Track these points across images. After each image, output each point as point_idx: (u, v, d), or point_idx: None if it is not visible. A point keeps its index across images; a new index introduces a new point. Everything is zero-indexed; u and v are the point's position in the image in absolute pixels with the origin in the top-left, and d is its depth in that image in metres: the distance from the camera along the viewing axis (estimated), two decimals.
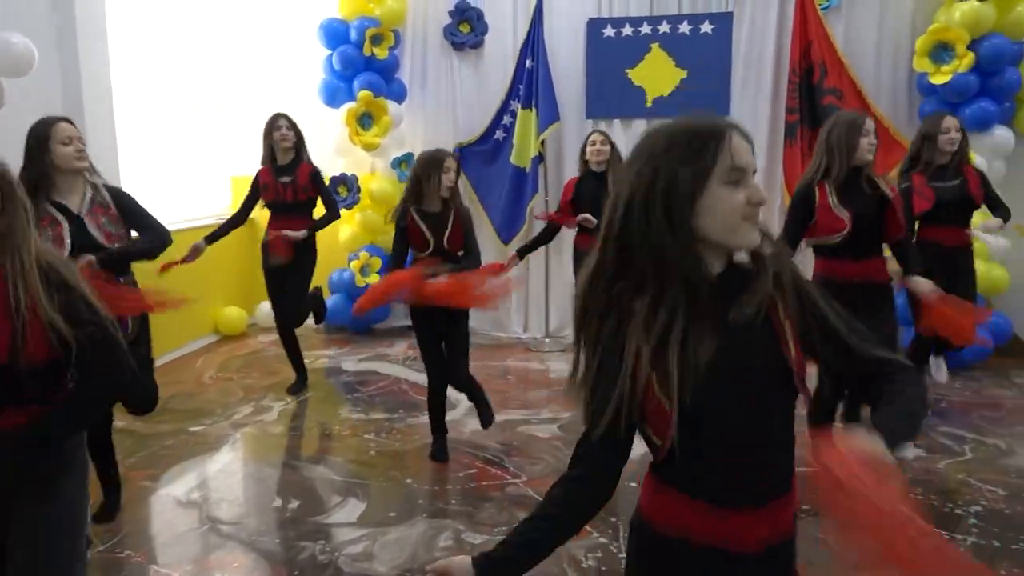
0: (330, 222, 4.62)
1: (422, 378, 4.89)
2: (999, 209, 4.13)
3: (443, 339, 3.65)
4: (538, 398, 4.72)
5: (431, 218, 3.51)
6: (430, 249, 3.50)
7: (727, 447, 1.19)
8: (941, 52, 4.89)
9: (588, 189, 4.42)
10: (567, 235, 5.58)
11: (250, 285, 6.12)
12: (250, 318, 6.36)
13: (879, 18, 5.38)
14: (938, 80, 4.89)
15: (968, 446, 3.90)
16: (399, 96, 6.01)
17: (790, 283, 1.21)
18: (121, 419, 3.86)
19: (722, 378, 1.15)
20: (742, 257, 1.21)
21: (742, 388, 1.17)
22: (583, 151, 4.54)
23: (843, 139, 3.08)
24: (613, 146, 4.48)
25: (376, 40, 5.78)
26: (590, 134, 4.63)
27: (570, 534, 1.24)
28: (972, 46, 4.78)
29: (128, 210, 2.99)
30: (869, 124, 3.09)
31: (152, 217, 3.07)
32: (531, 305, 6.14)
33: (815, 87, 5.32)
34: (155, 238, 3.01)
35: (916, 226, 4.06)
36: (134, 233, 3.03)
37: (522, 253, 4.68)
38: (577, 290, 1.24)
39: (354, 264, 5.90)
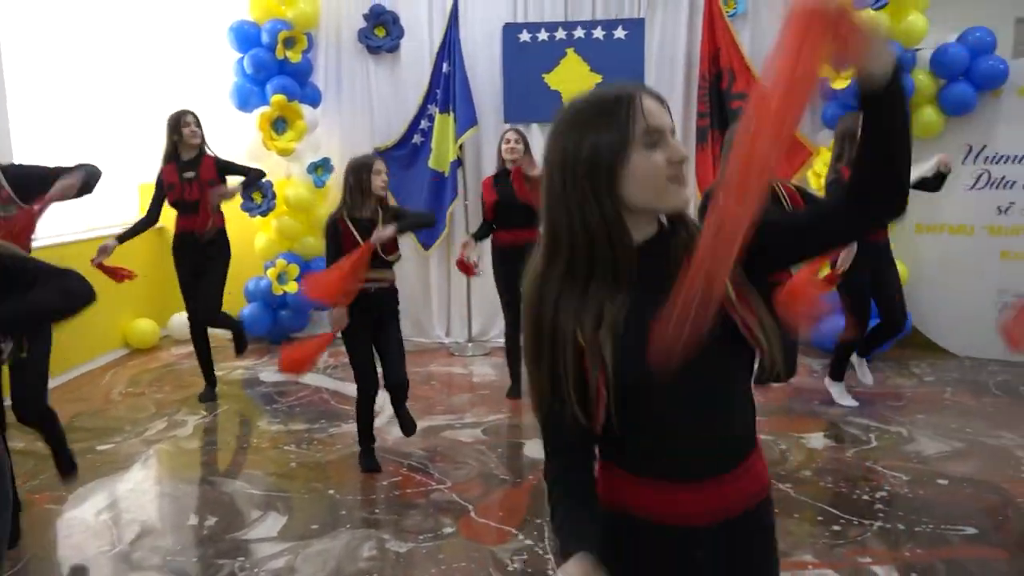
0: (258, 179, 4.71)
1: (344, 387, 4.85)
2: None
3: (376, 343, 3.61)
4: (462, 402, 4.71)
5: (363, 224, 3.47)
6: None
7: (663, 421, 1.17)
8: None
9: (506, 187, 4.44)
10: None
11: (162, 296, 5.91)
12: (162, 330, 6.13)
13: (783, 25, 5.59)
14: (838, 85, 5.10)
15: (873, 434, 4.08)
16: (314, 100, 5.91)
17: None
18: (21, 439, 3.67)
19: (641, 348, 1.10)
20: (641, 234, 1.17)
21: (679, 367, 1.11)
22: (499, 149, 4.57)
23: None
24: (527, 144, 4.50)
25: (289, 43, 5.67)
26: (505, 131, 4.65)
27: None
28: None
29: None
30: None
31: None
32: (453, 309, 6.13)
33: (724, 92, 5.49)
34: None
35: None
36: None
37: (478, 237, 4.65)
38: (523, 295, 1.22)
39: (270, 272, 5.76)
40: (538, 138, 5.61)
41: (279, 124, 5.64)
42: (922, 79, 5.24)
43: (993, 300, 5.35)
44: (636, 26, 5.69)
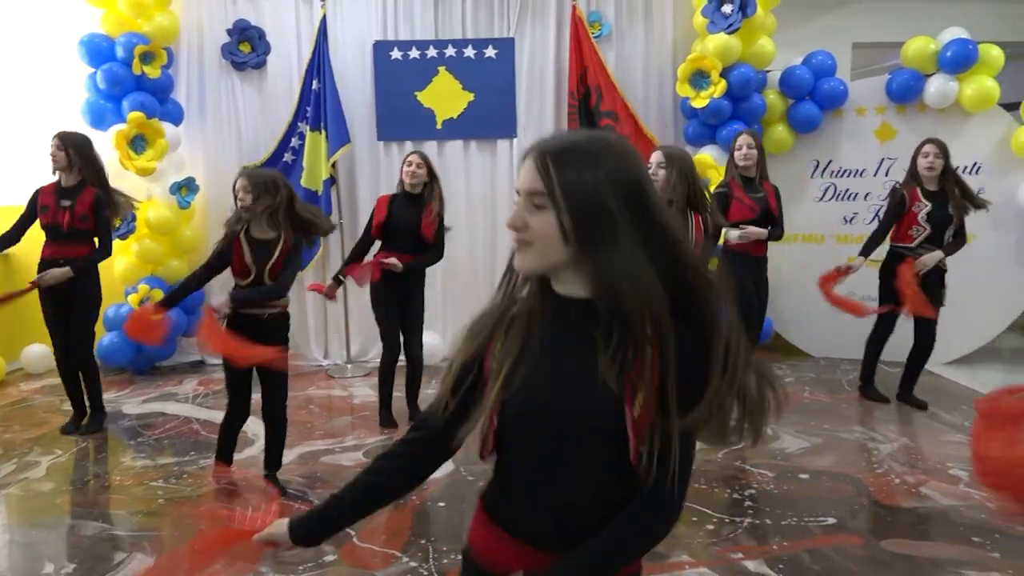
0: (98, 261, 4.30)
1: (216, 415, 4.63)
2: (777, 227, 4.57)
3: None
4: (342, 425, 4.61)
5: (261, 245, 3.33)
6: (251, 277, 3.33)
7: (527, 478, 1.16)
8: (699, 79, 5.39)
9: (401, 210, 4.31)
10: (369, 256, 5.51)
11: (11, 327, 5.47)
12: (10, 364, 5.67)
13: (645, 47, 5.85)
14: (698, 104, 5.38)
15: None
16: (175, 118, 5.65)
17: (664, 337, 1.07)
18: None
19: (536, 404, 1.12)
20: (570, 290, 1.14)
21: (552, 421, 1.11)
22: (401, 171, 4.41)
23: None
24: (430, 168, 4.37)
25: (146, 58, 5.40)
26: (408, 154, 4.49)
27: (388, 496, 1.31)
28: (724, 74, 5.31)
29: None
30: (654, 155, 3.43)
31: None
32: (331, 331, 6.00)
33: (593, 110, 5.67)
34: None
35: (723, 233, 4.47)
36: None
37: (354, 254, 4.48)
38: None
39: (132, 298, 5.44)
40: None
41: (138, 143, 5.36)
42: (772, 99, 5.60)
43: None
44: (506, 45, 5.78)
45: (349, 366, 5.83)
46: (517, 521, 1.18)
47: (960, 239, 4.44)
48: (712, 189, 4.55)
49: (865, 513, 3.35)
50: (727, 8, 5.22)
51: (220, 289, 5.04)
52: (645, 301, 1.05)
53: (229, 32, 5.69)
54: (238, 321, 3.33)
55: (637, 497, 1.11)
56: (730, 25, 5.21)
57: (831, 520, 3.25)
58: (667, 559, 2.94)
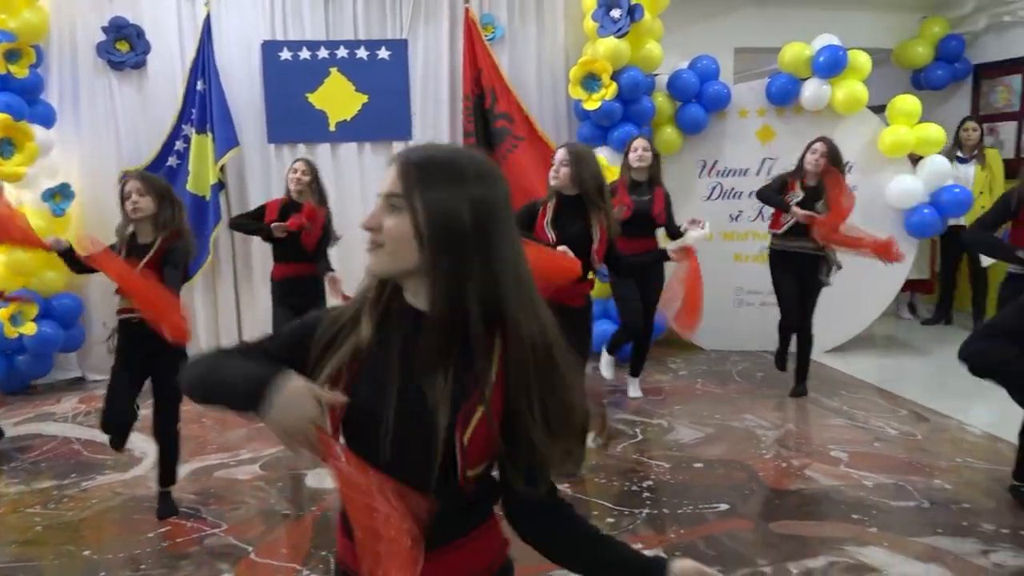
0: None
1: (98, 434, 4.38)
2: (671, 229, 4.72)
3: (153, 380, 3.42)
4: (237, 438, 4.45)
5: (138, 250, 3.18)
6: None
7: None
8: (591, 82, 5.50)
9: (287, 216, 4.25)
10: (260, 263, 5.37)
11: None
12: None
13: (538, 49, 5.92)
14: (590, 106, 5.49)
15: (639, 429, 4.41)
16: (46, 120, 5.32)
17: (521, 357, 1.09)
18: None
19: (373, 415, 1.11)
20: (418, 301, 1.13)
21: (389, 434, 1.10)
22: (286, 177, 4.38)
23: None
24: (315, 174, 4.34)
25: (12, 56, 5.06)
26: (294, 161, 4.44)
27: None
28: (615, 77, 5.44)
29: None
30: (558, 153, 3.46)
31: None
32: (223, 338, 5.79)
33: (488, 112, 5.70)
34: None
35: None
36: None
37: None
38: None
39: (3, 313, 5.09)
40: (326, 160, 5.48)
41: (5, 146, 5.01)
42: (661, 101, 5.78)
43: (731, 298, 6.00)
44: (399, 47, 5.74)
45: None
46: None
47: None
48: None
49: (755, 497, 3.51)
50: (616, 13, 5.35)
51: (103, 296, 4.79)
52: (481, 318, 1.07)
53: (105, 30, 5.40)
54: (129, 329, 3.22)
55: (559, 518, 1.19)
56: (619, 29, 5.34)
57: (724, 506, 3.38)
58: None
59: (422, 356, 1.10)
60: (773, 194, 4.72)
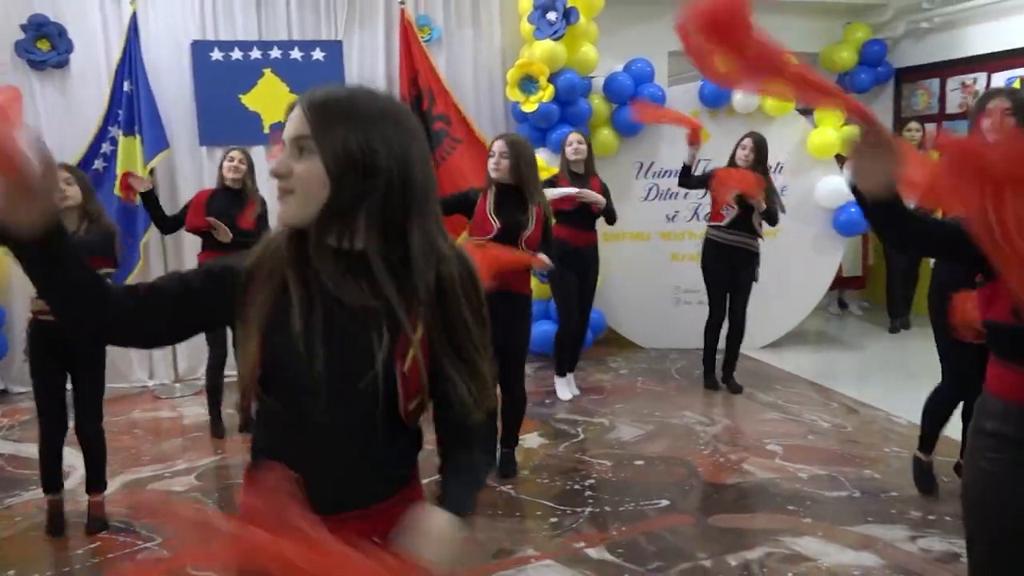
0: None
1: (23, 449, 4.22)
2: (608, 216, 4.77)
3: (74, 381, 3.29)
4: (172, 449, 4.33)
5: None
6: None
7: (300, 445, 1.13)
8: (528, 84, 5.53)
9: (221, 204, 4.22)
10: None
11: None
12: None
13: (475, 51, 5.92)
14: (528, 108, 5.51)
15: (581, 428, 4.44)
16: None
17: (447, 290, 1.13)
18: None
19: (303, 366, 1.09)
20: (335, 241, 1.12)
21: (322, 383, 1.09)
22: (221, 166, 4.34)
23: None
24: (251, 164, 4.35)
25: None
26: (228, 150, 4.39)
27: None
28: (552, 79, 5.47)
29: None
30: (497, 143, 3.49)
31: None
32: (156, 348, 5.62)
33: (426, 113, 5.66)
34: None
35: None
36: None
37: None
38: None
39: None
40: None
41: None
42: (598, 103, 5.84)
43: (669, 297, 6.10)
44: (334, 48, 5.66)
45: (178, 385, 5.48)
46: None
47: (772, 220, 4.81)
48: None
49: (695, 492, 3.57)
50: (552, 15, 5.39)
51: (23, 298, 4.60)
52: (397, 253, 1.11)
53: (24, 28, 5.18)
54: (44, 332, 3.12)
55: (454, 436, 1.23)
56: (555, 32, 5.38)
57: (665, 502, 3.44)
58: (513, 554, 3.00)
59: (349, 295, 1.10)
60: (691, 177, 4.85)
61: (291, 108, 1.12)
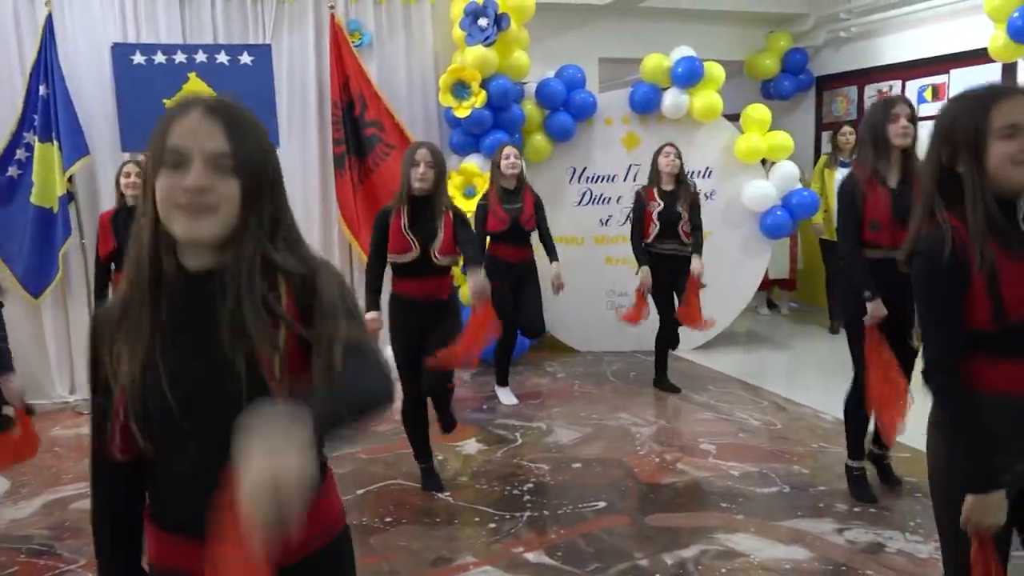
0: None
1: None
2: (545, 240, 4.81)
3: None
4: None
5: None
6: None
7: (187, 468, 1.10)
8: (460, 89, 5.52)
9: (125, 222, 4.05)
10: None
11: None
12: None
13: (407, 57, 5.89)
14: (461, 114, 5.51)
15: (519, 433, 4.45)
16: None
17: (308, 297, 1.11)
18: None
19: (181, 392, 1.08)
20: (203, 262, 1.11)
21: (201, 406, 1.08)
22: (117, 183, 4.19)
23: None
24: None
25: None
26: (123, 164, 4.26)
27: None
28: (484, 85, 5.48)
29: None
30: (421, 152, 3.39)
31: None
32: (76, 362, 5.40)
33: (358, 119, 5.61)
34: None
35: (487, 241, 4.69)
36: None
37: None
38: None
39: None
40: None
41: None
42: (530, 109, 5.88)
43: (604, 300, 6.17)
44: (262, 52, 5.54)
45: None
46: (191, 518, 1.03)
47: (698, 232, 4.90)
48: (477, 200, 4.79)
49: (631, 493, 3.61)
50: (483, 22, 5.40)
51: None
52: (275, 265, 1.10)
53: None
54: None
55: None
56: (487, 38, 5.39)
57: (602, 504, 3.47)
58: (452, 562, 2.98)
59: (210, 316, 1.08)
60: (641, 252, 4.89)
61: (178, 113, 1.07)
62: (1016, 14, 4.86)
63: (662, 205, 4.82)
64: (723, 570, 2.86)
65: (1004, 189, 1.56)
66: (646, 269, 4.84)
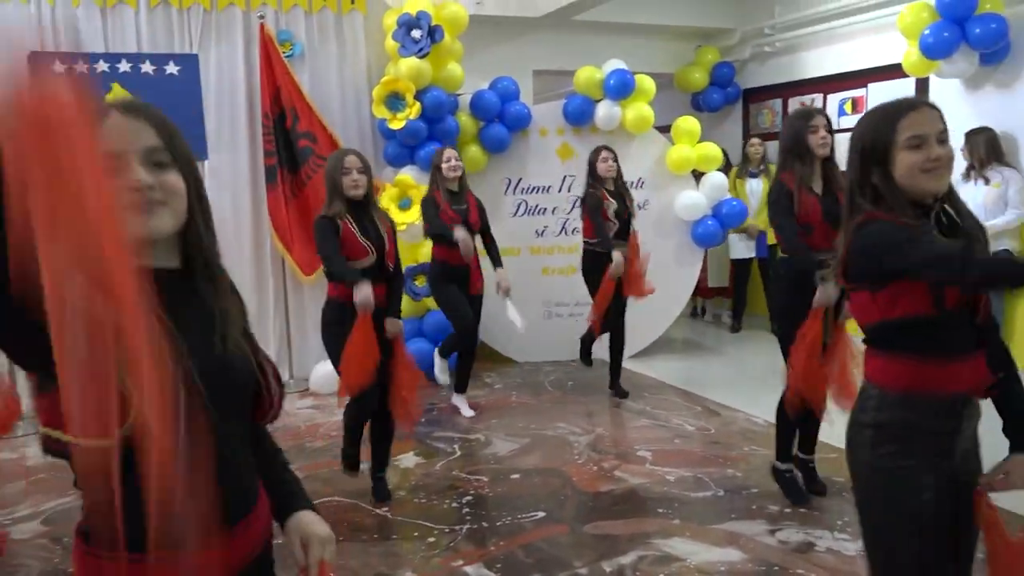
0: None
1: None
2: (490, 244, 4.82)
3: None
4: (14, 493, 3.98)
5: None
6: None
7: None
8: (395, 101, 5.50)
9: None
10: None
11: None
12: None
13: (339, 68, 5.83)
14: (395, 126, 5.47)
15: (457, 445, 4.43)
16: None
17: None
18: None
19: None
20: (166, 260, 1.13)
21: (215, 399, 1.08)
22: None
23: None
24: None
25: None
26: None
27: None
28: (418, 97, 5.47)
29: None
30: (350, 159, 3.39)
31: None
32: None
33: (289, 131, 5.52)
34: None
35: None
36: None
37: None
38: None
39: None
40: None
41: None
42: (465, 121, 5.89)
43: (541, 311, 6.20)
44: (189, 61, 5.42)
45: (19, 424, 5.04)
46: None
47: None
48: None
49: (570, 502, 3.63)
50: (416, 33, 5.39)
51: None
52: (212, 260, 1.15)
53: None
54: None
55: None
56: (420, 50, 5.38)
57: (541, 514, 3.47)
58: None
59: (194, 312, 1.10)
60: (607, 239, 4.91)
61: (104, 116, 1.05)
62: (927, 31, 5.10)
63: (615, 204, 4.91)
64: (660, 575, 2.89)
65: (917, 195, 1.64)
66: (618, 254, 4.84)
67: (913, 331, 1.63)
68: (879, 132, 1.66)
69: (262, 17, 5.49)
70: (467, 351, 4.90)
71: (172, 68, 5.38)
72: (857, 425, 1.72)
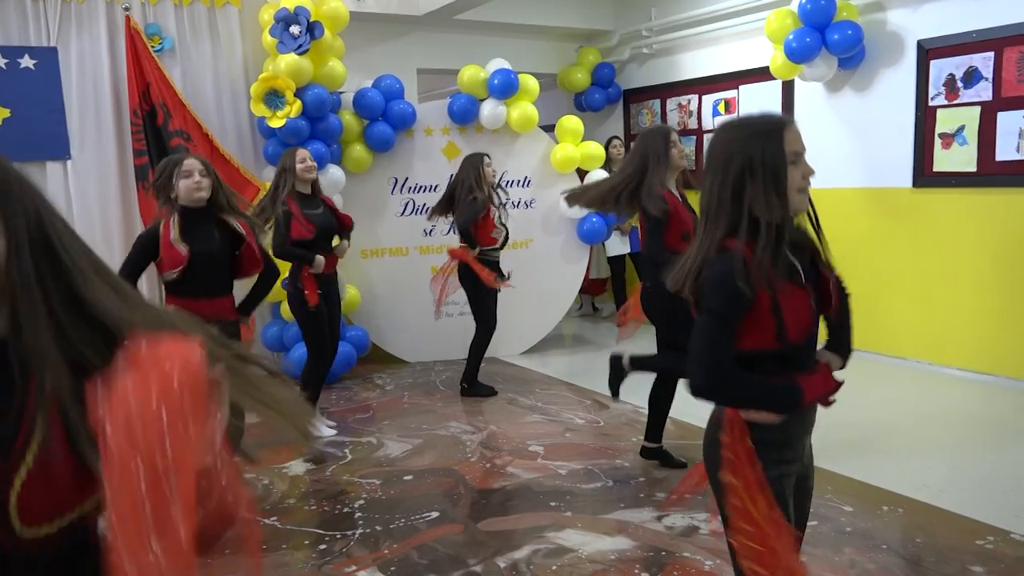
0: None
1: None
2: (344, 232, 4.65)
3: None
4: None
5: None
6: None
7: None
8: (274, 99, 5.33)
9: None
10: None
11: None
12: None
13: (213, 63, 5.59)
14: (275, 124, 5.30)
15: (348, 449, 4.35)
16: None
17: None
18: None
19: None
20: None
21: None
22: None
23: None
24: None
25: None
26: None
27: None
28: (299, 94, 5.32)
29: None
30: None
31: None
32: None
33: (161, 129, 5.25)
34: None
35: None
36: None
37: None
38: None
39: None
40: None
41: None
42: (348, 119, 5.78)
43: (430, 310, 6.15)
44: (48, 55, 5.08)
45: None
46: None
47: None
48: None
49: (464, 500, 3.63)
50: (295, 29, 5.24)
51: None
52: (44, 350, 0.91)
53: None
54: None
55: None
56: (300, 46, 5.24)
57: (435, 514, 3.46)
58: None
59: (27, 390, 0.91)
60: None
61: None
62: (791, 36, 5.39)
63: (498, 213, 4.98)
64: (554, 567, 2.93)
65: (792, 213, 1.68)
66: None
67: (760, 364, 1.67)
68: (770, 149, 1.62)
69: (127, 9, 5.21)
70: (325, 364, 4.59)
71: (27, 62, 5.03)
72: (714, 444, 1.76)
